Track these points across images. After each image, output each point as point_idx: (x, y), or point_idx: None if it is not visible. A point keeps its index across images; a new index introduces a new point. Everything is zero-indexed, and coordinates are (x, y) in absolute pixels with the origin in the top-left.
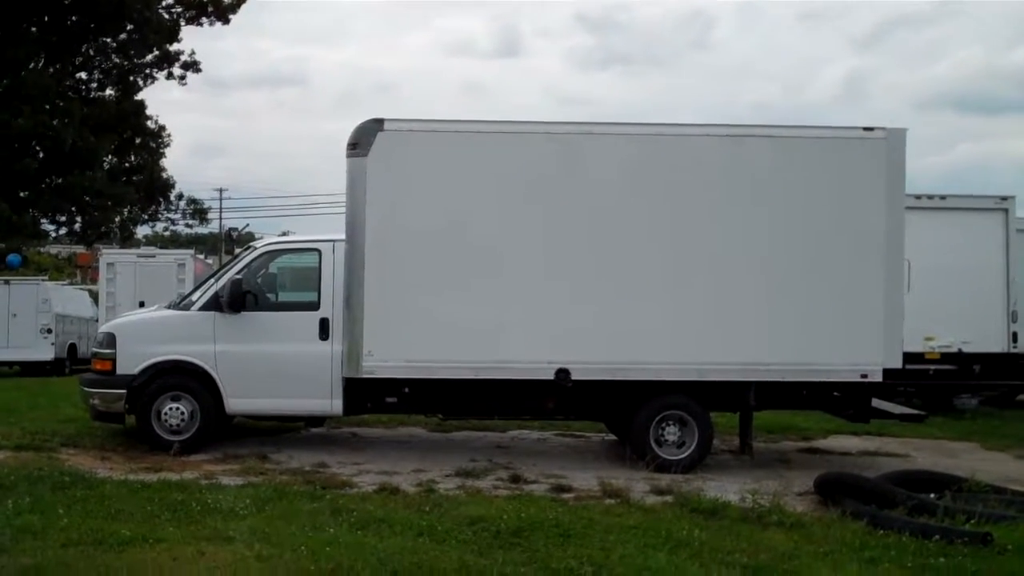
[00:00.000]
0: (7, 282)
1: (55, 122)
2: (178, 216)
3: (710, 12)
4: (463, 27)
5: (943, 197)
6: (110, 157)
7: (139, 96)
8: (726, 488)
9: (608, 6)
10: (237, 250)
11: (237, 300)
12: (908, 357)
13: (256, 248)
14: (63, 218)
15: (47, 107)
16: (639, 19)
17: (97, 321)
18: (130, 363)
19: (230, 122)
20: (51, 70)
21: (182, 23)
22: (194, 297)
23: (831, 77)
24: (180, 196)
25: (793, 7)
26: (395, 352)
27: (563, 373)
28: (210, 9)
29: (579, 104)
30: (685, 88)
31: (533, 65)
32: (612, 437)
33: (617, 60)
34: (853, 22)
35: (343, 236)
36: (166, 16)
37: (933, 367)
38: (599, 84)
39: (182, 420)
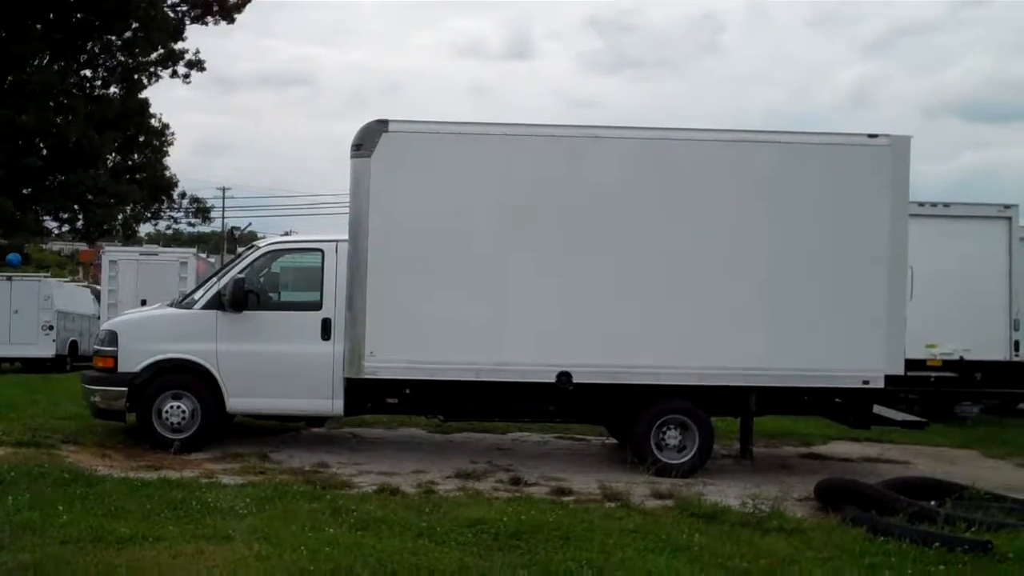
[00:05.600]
0: (9, 279)
1: (59, 119)
2: (181, 215)
3: (720, 16)
4: (473, 28)
5: (947, 205)
6: (114, 155)
7: (143, 94)
8: (726, 493)
9: (620, 9)
10: (240, 249)
11: (239, 299)
12: (910, 364)
13: (259, 247)
14: (66, 215)
15: (51, 104)
16: (650, 22)
17: (99, 318)
18: (132, 361)
19: (236, 121)
20: (56, 67)
21: (187, 21)
22: (196, 296)
23: (840, 83)
24: (183, 195)
25: (802, 10)
26: (397, 353)
27: (564, 376)
28: (215, 8)
29: (588, 108)
30: (694, 93)
31: (543, 68)
32: (613, 440)
33: (628, 64)
34: (863, 28)
35: (346, 236)
36: (171, 14)
37: (934, 374)
38: (609, 88)
39: (183, 418)
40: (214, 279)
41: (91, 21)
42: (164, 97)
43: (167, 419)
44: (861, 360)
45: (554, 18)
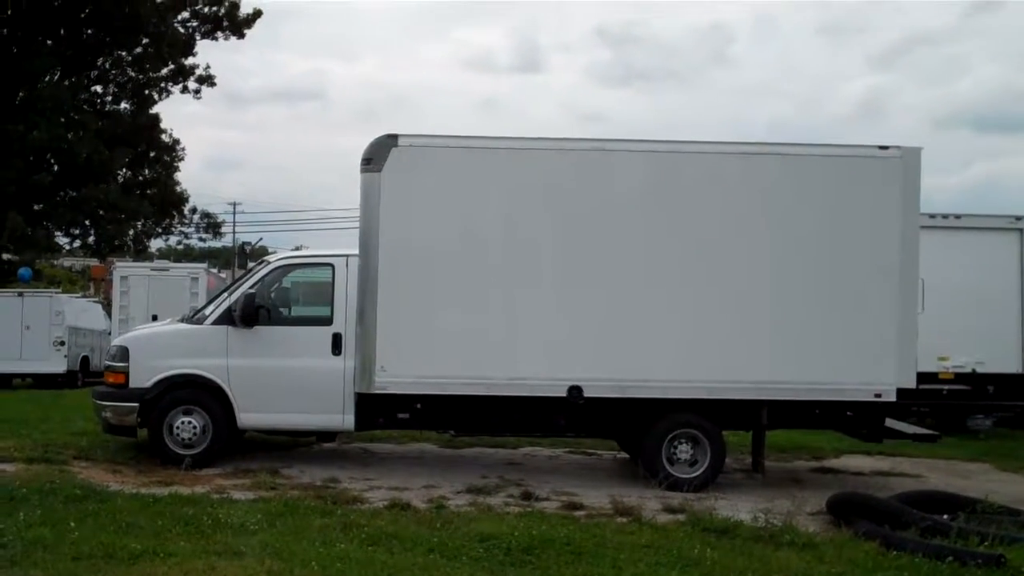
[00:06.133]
0: (21, 294)
1: (70, 135)
2: (192, 230)
3: (728, 27)
4: (482, 42)
5: (958, 216)
6: (124, 171)
7: (154, 110)
8: (738, 507)
9: (628, 21)
10: (251, 264)
11: (250, 314)
12: (922, 377)
13: (270, 263)
14: (77, 231)
15: (62, 120)
16: (658, 34)
17: (110, 334)
18: (143, 376)
19: (246, 136)
20: (67, 83)
21: (197, 37)
22: (207, 311)
23: (849, 93)
24: (194, 210)
25: (811, 21)
26: (407, 368)
27: (575, 390)
28: (225, 23)
29: (597, 121)
30: (703, 105)
31: (552, 80)
32: (624, 455)
33: (636, 76)
34: (872, 39)
35: (357, 251)
36: (181, 30)
37: (947, 387)
38: (618, 100)
39: (194, 434)
40: (225, 294)
41: (102, 37)
42: (175, 112)
43: (178, 435)
44: (873, 373)
45: (561, 28)
